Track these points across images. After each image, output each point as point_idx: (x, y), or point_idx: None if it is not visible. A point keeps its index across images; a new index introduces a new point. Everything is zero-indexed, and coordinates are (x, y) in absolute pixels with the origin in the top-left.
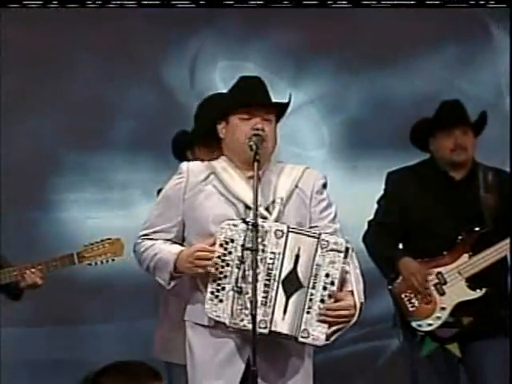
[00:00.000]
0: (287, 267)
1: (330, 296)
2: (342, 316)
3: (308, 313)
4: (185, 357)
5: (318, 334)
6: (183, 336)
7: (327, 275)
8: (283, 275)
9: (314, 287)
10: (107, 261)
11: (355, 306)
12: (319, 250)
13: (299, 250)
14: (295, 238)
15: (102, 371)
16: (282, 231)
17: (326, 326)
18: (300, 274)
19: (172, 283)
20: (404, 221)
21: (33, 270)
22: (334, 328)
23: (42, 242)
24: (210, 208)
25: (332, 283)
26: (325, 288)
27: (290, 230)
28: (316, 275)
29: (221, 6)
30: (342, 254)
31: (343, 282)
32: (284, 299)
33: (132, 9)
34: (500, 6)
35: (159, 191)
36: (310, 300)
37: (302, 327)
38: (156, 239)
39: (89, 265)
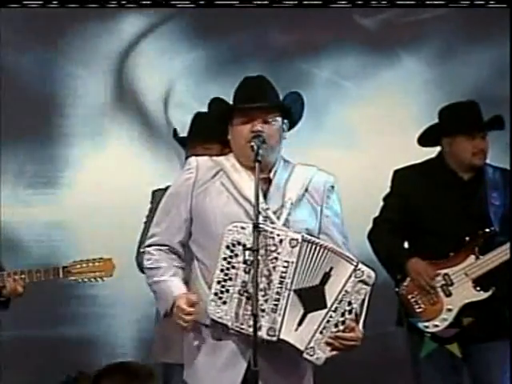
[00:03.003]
0: (305, 279)
1: (343, 322)
2: (349, 346)
3: (321, 333)
4: (181, 355)
5: (321, 354)
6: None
7: (350, 303)
8: (298, 286)
9: (335, 311)
10: (95, 279)
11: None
12: (352, 278)
13: (331, 269)
14: (330, 256)
15: (101, 372)
16: (296, 240)
17: (330, 348)
18: (327, 295)
19: (167, 317)
20: (410, 219)
21: (15, 277)
22: (334, 352)
23: None
24: (218, 207)
25: (350, 312)
26: (343, 314)
27: (326, 247)
28: (341, 301)
29: (221, 6)
30: (368, 288)
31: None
32: (302, 311)
33: None
34: (500, 6)
35: (154, 192)
36: (328, 322)
37: (311, 344)
38: (164, 243)
39: (75, 281)
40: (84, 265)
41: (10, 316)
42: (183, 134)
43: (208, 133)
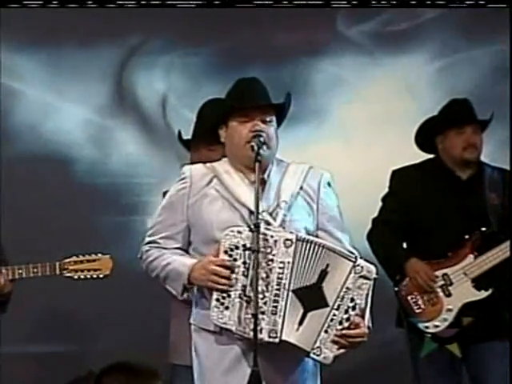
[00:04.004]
0: (302, 278)
1: (347, 319)
2: (356, 343)
3: (326, 332)
4: (191, 359)
5: (328, 353)
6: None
7: (352, 300)
8: (296, 285)
9: (337, 308)
10: (92, 277)
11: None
12: (352, 274)
13: (327, 266)
14: (325, 253)
15: (103, 371)
16: (291, 240)
17: (337, 347)
18: (326, 293)
19: (185, 294)
20: (409, 220)
21: (4, 271)
22: (342, 350)
23: None
24: (215, 214)
25: (354, 308)
26: (346, 311)
27: (321, 244)
28: (343, 298)
29: (220, 6)
30: (369, 282)
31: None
32: (301, 311)
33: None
34: (500, 6)
35: (165, 193)
36: (331, 320)
37: (317, 344)
38: (164, 247)
39: (69, 278)
40: (81, 262)
41: (10, 332)
42: (186, 135)
43: (213, 133)
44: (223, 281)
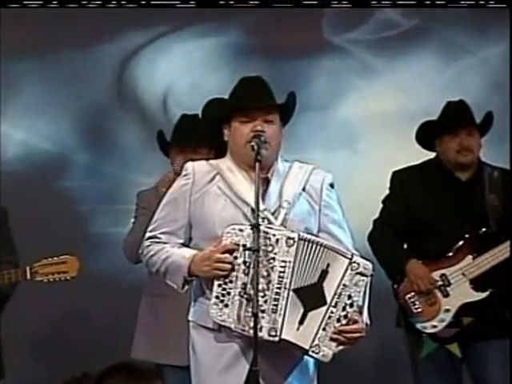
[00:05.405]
0: (303, 277)
1: (345, 316)
2: (354, 338)
3: (324, 330)
4: (186, 357)
5: (327, 351)
6: (174, 336)
7: (349, 297)
8: (297, 285)
9: (335, 306)
10: (60, 280)
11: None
12: (348, 271)
13: (328, 266)
14: (326, 252)
15: (104, 372)
16: (293, 239)
17: (335, 344)
18: (326, 292)
19: (186, 287)
20: (409, 221)
21: None
22: (341, 347)
23: None
24: (217, 211)
25: (351, 305)
26: (344, 308)
27: (322, 244)
28: (340, 295)
29: (221, 6)
30: (366, 279)
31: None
32: (302, 310)
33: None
34: (500, 6)
35: (138, 194)
36: (329, 318)
37: (315, 342)
38: (164, 242)
39: (40, 282)
40: (50, 265)
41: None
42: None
43: (201, 136)
44: (228, 266)
